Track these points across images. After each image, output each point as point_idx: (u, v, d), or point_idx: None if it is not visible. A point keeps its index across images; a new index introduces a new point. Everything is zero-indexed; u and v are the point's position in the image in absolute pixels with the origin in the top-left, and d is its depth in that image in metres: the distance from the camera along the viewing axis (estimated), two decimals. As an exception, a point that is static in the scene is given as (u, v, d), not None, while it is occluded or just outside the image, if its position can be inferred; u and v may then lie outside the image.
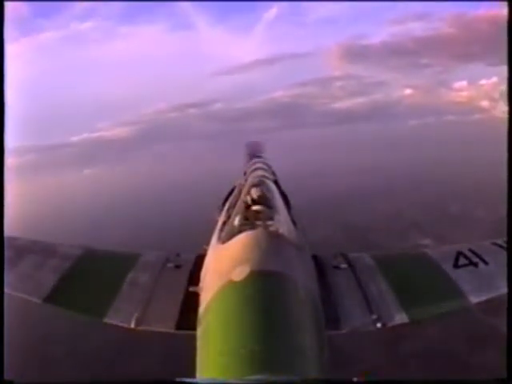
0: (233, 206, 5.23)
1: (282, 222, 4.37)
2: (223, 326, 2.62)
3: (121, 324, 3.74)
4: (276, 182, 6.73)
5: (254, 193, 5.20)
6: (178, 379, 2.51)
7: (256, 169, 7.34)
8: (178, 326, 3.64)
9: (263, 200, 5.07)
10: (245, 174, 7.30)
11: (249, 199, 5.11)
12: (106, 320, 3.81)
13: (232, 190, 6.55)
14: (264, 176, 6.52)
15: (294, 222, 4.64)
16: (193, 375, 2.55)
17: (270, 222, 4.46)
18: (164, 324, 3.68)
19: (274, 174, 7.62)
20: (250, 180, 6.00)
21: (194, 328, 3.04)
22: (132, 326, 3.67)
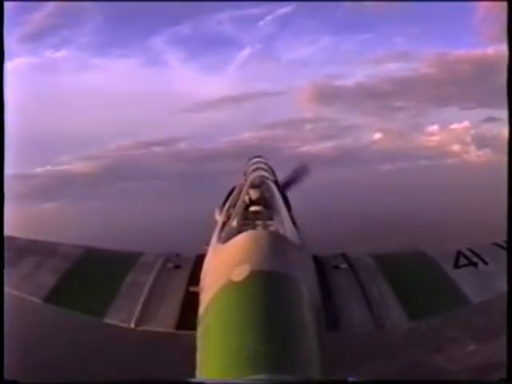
0: (233, 206, 5.24)
1: (282, 222, 4.37)
2: (223, 326, 2.62)
3: (121, 324, 3.74)
4: (276, 182, 6.72)
5: (254, 193, 5.21)
6: (178, 379, 2.51)
7: (256, 169, 7.33)
8: (178, 326, 3.64)
9: (262, 200, 5.08)
10: (245, 174, 7.29)
11: (248, 199, 5.12)
12: (106, 320, 3.81)
13: (232, 190, 6.55)
14: (264, 176, 6.52)
15: (294, 222, 4.64)
16: (193, 375, 2.55)
17: (269, 222, 4.46)
18: (164, 324, 3.68)
19: (274, 174, 7.61)
20: (250, 180, 6.00)
21: (194, 328, 3.04)
22: (132, 326, 3.67)
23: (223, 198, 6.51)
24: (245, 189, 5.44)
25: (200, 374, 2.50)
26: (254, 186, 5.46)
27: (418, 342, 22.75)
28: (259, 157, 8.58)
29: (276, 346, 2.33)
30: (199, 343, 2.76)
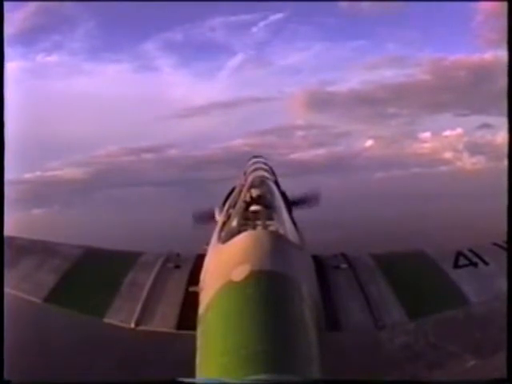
0: (233, 206, 5.24)
1: (282, 222, 4.38)
2: (223, 326, 2.62)
3: (120, 324, 3.74)
4: (276, 182, 6.72)
5: (253, 193, 5.22)
6: (178, 379, 2.51)
7: (256, 169, 7.33)
8: (178, 326, 3.64)
9: (262, 200, 5.09)
10: (245, 173, 7.30)
11: (248, 199, 5.12)
12: (106, 320, 3.81)
13: (232, 190, 6.55)
14: (264, 176, 6.52)
15: (294, 222, 4.64)
16: (193, 375, 2.55)
17: (269, 222, 4.46)
18: (164, 324, 3.68)
19: (274, 174, 7.61)
20: (250, 180, 6.00)
21: (194, 328, 3.04)
22: (132, 326, 3.67)
23: (222, 200, 6.52)
24: (245, 189, 5.44)
25: (200, 373, 2.50)
26: (253, 185, 5.46)
27: (415, 357, 22.53)
28: (259, 157, 8.57)
29: (276, 346, 2.33)
30: (199, 343, 2.76)
